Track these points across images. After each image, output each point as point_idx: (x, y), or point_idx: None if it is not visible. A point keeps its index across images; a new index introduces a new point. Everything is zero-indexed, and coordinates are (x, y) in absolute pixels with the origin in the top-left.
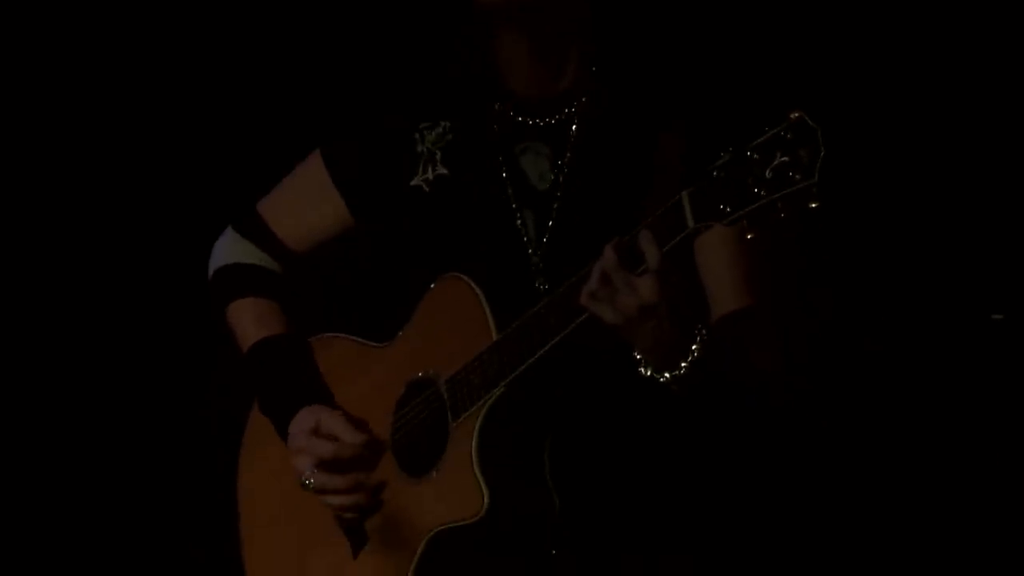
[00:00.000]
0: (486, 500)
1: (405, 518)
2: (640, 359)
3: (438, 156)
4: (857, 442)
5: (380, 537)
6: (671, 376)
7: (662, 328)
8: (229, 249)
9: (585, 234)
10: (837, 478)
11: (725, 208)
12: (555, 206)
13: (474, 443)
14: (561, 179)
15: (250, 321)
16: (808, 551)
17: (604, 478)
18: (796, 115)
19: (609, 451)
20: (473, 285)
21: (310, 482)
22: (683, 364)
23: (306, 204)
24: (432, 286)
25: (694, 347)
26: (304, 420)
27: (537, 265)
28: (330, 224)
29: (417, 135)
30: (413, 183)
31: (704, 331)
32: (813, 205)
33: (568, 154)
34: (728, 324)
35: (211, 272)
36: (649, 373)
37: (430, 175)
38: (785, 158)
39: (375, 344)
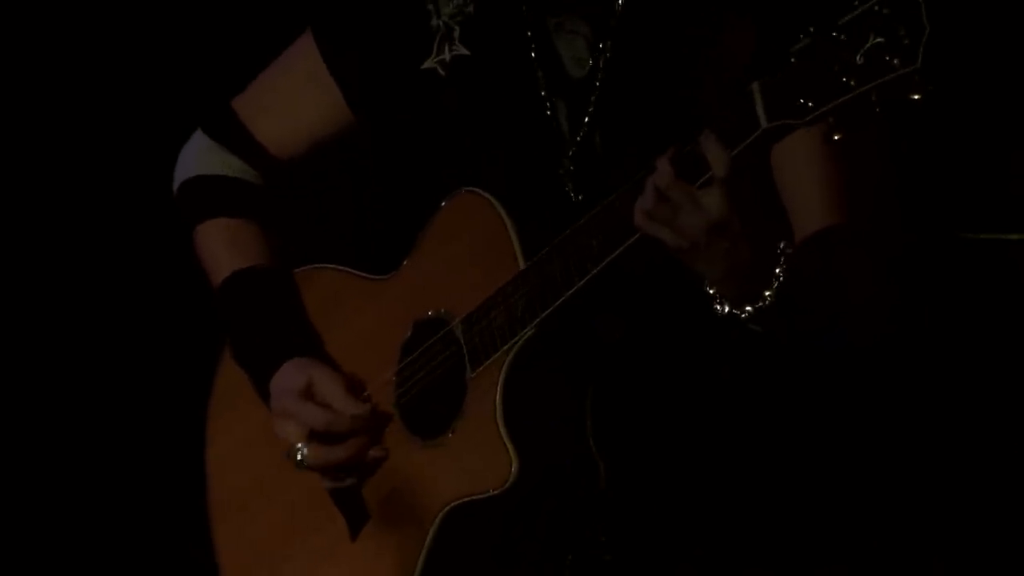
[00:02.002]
0: (514, 467)
1: (414, 491)
2: (713, 292)
3: (456, 33)
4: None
5: (384, 514)
6: (753, 310)
7: (736, 250)
8: (198, 157)
9: (630, 133)
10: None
11: (806, 103)
12: (593, 97)
13: (498, 397)
14: (601, 64)
15: (223, 247)
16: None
17: (661, 439)
18: None
19: (667, 405)
20: (495, 202)
21: (301, 456)
22: (767, 294)
23: (294, 98)
24: (444, 204)
25: (778, 270)
26: (291, 377)
27: (569, 169)
28: (323, 123)
29: (431, 6)
30: (425, 66)
31: (788, 250)
32: (916, 96)
33: (611, 34)
34: (814, 247)
35: (176, 186)
36: (727, 309)
37: (446, 56)
38: (880, 39)
39: (374, 276)
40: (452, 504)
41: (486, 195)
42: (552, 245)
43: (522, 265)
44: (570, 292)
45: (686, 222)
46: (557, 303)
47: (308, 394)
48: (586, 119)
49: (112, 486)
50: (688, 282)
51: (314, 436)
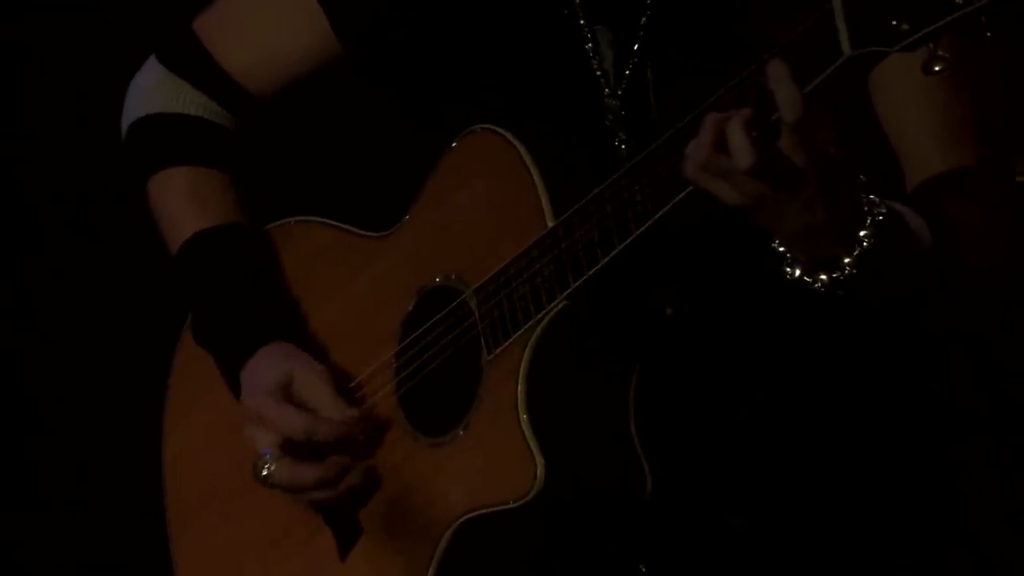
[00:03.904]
0: (539, 472)
1: (417, 501)
2: (784, 254)
3: None
4: None
5: (380, 530)
6: (828, 280)
7: (812, 209)
8: (152, 92)
9: (688, 66)
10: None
11: (899, 24)
12: (643, 21)
13: (520, 385)
14: None
15: (183, 203)
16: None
17: (721, 438)
18: None
19: (729, 395)
20: (516, 142)
21: (267, 471)
22: (846, 261)
23: (268, 21)
24: (454, 144)
25: (863, 233)
26: (266, 371)
27: (616, 111)
28: (304, 53)
29: None
30: None
31: (880, 210)
32: None
33: None
34: (919, 200)
35: (125, 127)
36: (798, 274)
37: None
38: None
39: (369, 234)
40: (463, 518)
41: (506, 134)
42: (587, 199)
43: (551, 223)
44: (609, 257)
45: (748, 185)
46: (593, 270)
47: (287, 393)
48: (635, 46)
49: (56, 483)
50: (754, 241)
51: (288, 446)
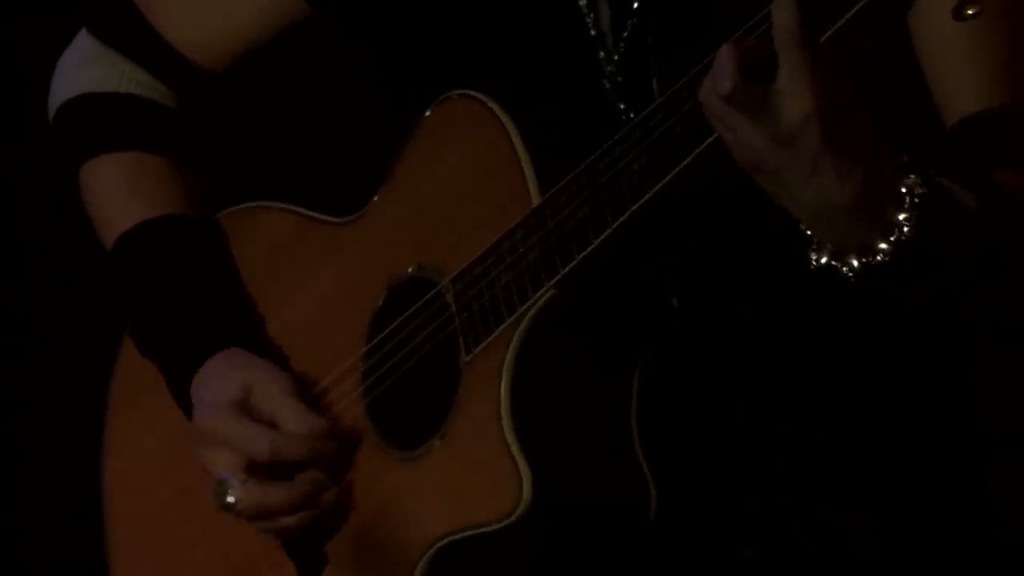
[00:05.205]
0: (526, 488)
1: (389, 524)
2: (810, 237)
3: None
4: None
5: (348, 558)
6: (861, 265)
7: (838, 182)
8: (84, 68)
9: (693, 25)
10: None
11: None
12: None
13: (503, 388)
14: None
15: (122, 192)
16: None
17: (734, 449)
18: None
19: (745, 400)
20: (497, 109)
21: (234, 498)
22: (881, 247)
23: None
24: (427, 114)
25: (902, 217)
26: (220, 384)
27: (613, 77)
28: (264, 17)
29: None
30: None
31: (920, 190)
32: None
33: None
34: (965, 166)
35: (53, 108)
36: (824, 260)
37: None
38: None
39: (333, 219)
40: (440, 542)
41: (487, 100)
42: (576, 171)
43: (536, 200)
44: (601, 237)
45: (756, 129)
46: (584, 253)
47: (245, 408)
48: (635, 4)
49: None
50: (770, 221)
51: (255, 469)
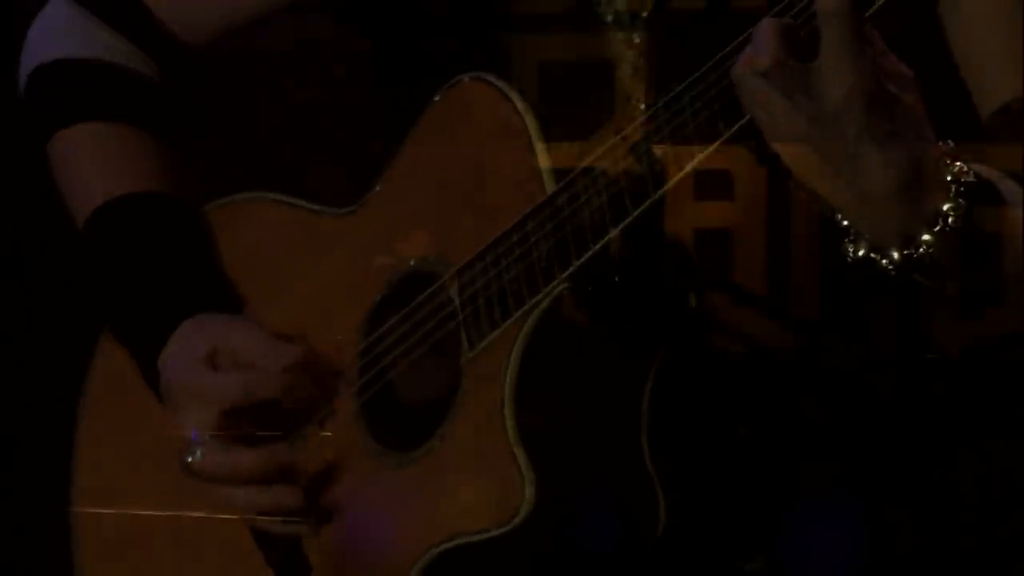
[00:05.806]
0: (528, 492)
1: (382, 531)
2: (847, 228)
3: None
4: None
5: (333, 566)
6: (902, 258)
7: (874, 164)
8: (59, 33)
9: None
10: None
11: None
12: None
13: (507, 387)
14: None
15: (96, 164)
16: None
17: (753, 458)
18: None
19: (767, 406)
20: (511, 93)
21: (191, 460)
22: (925, 238)
23: None
24: (436, 99)
25: (947, 207)
26: (190, 342)
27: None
28: None
29: None
30: None
31: (967, 178)
32: None
33: None
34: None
35: (24, 78)
36: (861, 253)
37: None
38: None
39: (332, 210)
40: (436, 549)
41: (500, 83)
42: (594, 156)
43: (549, 188)
44: (619, 228)
45: (784, 114)
46: (600, 244)
47: (213, 361)
48: None
49: None
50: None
51: (229, 417)
